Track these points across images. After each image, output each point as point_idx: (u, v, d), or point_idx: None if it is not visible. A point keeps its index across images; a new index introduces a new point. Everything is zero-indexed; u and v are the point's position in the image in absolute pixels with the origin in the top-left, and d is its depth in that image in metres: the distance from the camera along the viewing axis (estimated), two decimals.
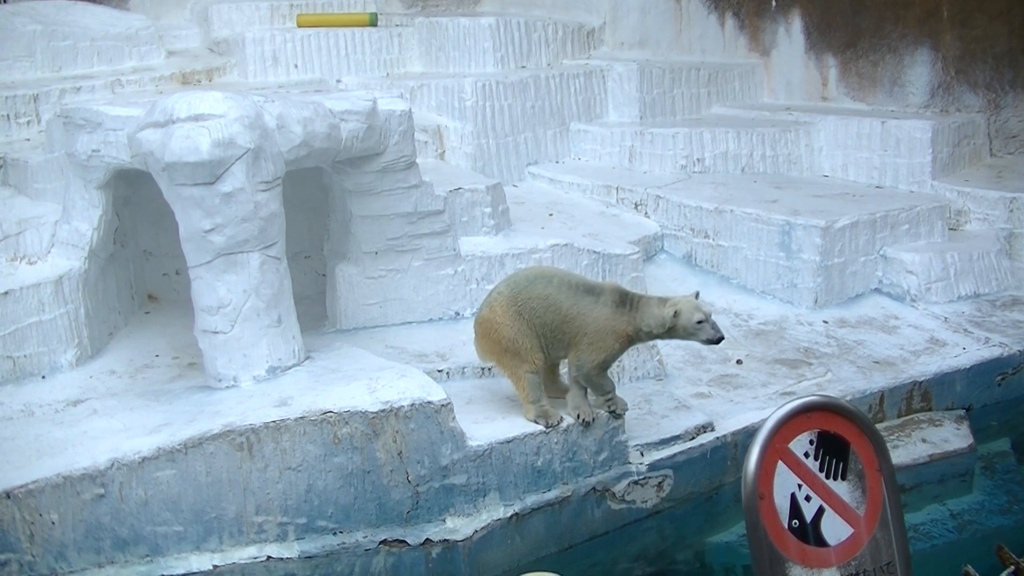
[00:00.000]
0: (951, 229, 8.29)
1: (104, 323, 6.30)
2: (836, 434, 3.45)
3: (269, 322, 5.47)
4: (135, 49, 8.59)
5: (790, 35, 9.97)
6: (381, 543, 5.10)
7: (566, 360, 5.45)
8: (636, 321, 5.24)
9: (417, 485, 5.14)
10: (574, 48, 9.75)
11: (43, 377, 5.86)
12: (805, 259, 7.56)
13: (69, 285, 5.96)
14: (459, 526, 5.22)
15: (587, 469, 5.52)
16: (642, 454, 5.72)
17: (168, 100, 5.35)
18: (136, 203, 6.62)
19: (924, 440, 6.48)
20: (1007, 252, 8.17)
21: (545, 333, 5.29)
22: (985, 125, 9.32)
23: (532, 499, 5.39)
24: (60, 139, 6.39)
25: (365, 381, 5.27)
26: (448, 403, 5.17)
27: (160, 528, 4.84)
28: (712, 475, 5.94)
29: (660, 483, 5.74)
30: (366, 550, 5.08)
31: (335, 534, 5.06)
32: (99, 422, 5.15)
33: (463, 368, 6.06)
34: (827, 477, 3.44)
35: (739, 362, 6.87)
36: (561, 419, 5.40)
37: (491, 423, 5.44)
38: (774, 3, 10.00)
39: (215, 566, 4.88)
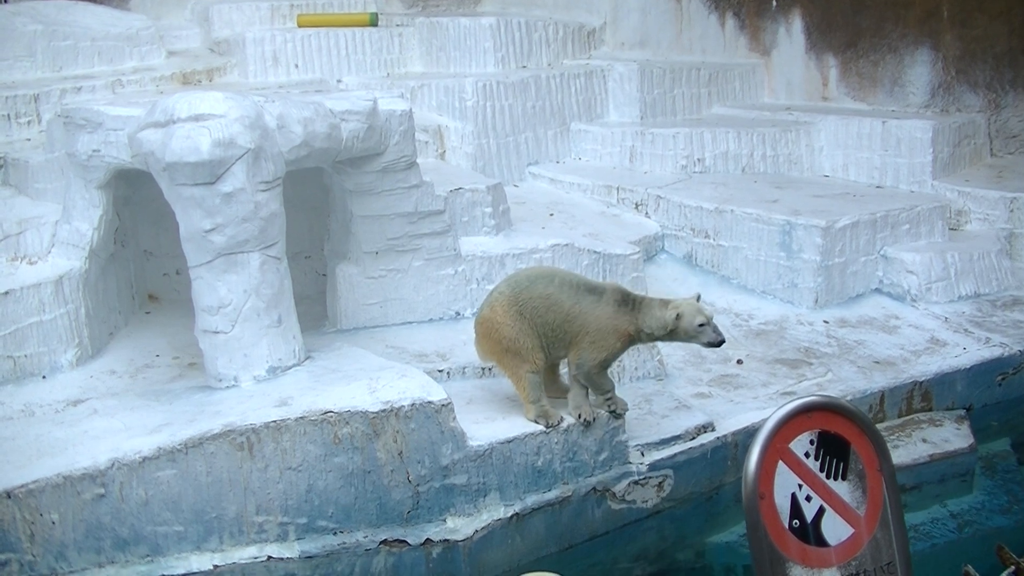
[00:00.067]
0: (951, 229, 8.29)
1: (104, 323, 6.30)
2: (836, 434, 3.45)
3: (269, 322, 5.47)
4: (136, 49, 8.59)
5: (790, 35, 9.97)
6: (381, 543, 5.11)
7: (566, 360, 5.45)
8: (638, 321, 5.26)
9: (417, 485, 5.14)
10: (575, 48, 9.75)
11: (43, 377, 5.87)
12: (805, 259, 7.56)
13: (69, 285, 5.96)
14: (459, 526, 5.22)
15: (587, 469, 5.52)
16: (642, 454, 5.73)
17: (169, 100, 5.35)
18: (136, 203, 6.62)
19: (924, 440, 6.48)
20: (1007, 252, 8.17)
21: (546, 333, 5.29)
22: (985, 125, 9.32)
23: (532, 499, 5.39)
24: (61, 139, 6.39)
25: (365, 381, 5.27)
26: (448, 403, 5.17)
27: (160, 528, 4.84)
28: (712, 475, 5.94)
29: (660, 483, 5.74)
30: (366, 550, 5.08)
31: (335, 534, 5.06)
32: (99, 422, 5.15)
33: (463, 368, 6.06)
34: (827, 477, 3.44)
35: (739, 362, 6.87)
36: (561, 419, 5.40)
37: (491, 423, 5.45)
38: (774, 3, 10.00)
39: (215, 566, 4.88)
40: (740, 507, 3.45)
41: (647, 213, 8.33)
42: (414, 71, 9.36)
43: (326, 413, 5.00)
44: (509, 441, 5.32)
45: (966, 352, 7.01)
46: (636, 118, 9.34)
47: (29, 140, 7.31)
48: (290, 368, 5.52)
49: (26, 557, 4.66)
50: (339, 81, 8.91)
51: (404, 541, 5.13)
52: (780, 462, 3.37)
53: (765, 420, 3.40)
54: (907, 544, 3.51)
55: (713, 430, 5.99)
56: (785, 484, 3.37)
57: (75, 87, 7.79)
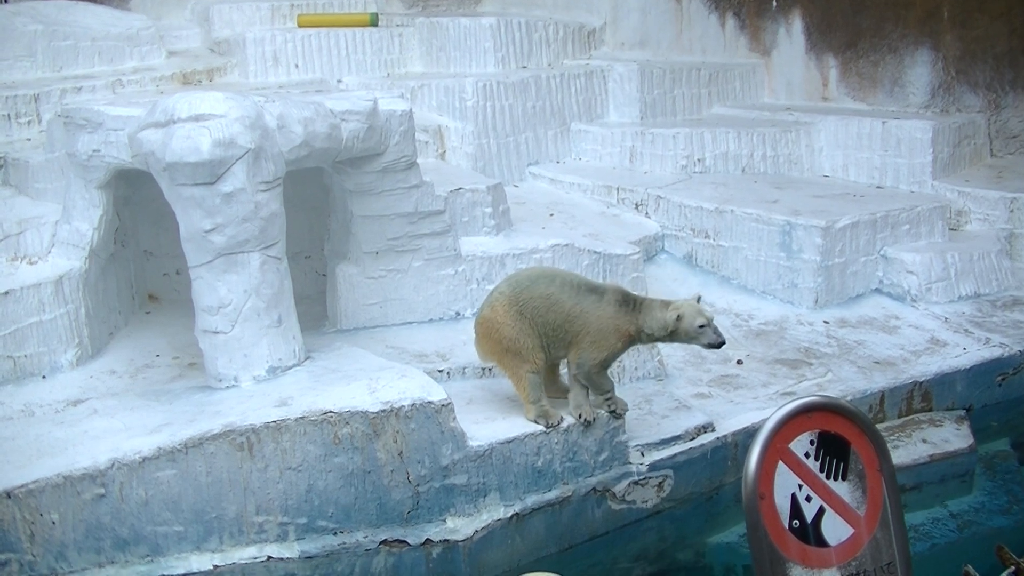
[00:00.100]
0: (951, 229, 8.29)
1: (104, 323, 6.30)
2: (836, 434, 3.45)
3: (269, 322, 5.47)
4: (136, 49, 8.59)
5: (791, 35, 9.97)
6: (381, 543, 5.11)
7: (565, 361, 5.46)
8: (638, 322, 5.27)
9: (417, 485, 5.14)
10: (575, 48, 9.75)
11: (43, 377, 5.87)
12: (805, 259, 7.56)
13: (69, 285, 5.96)
14: (459, 526, 5.22)
15: (587, 469, 5.52)
16: (642, 454, 5.73)
17: (169, 100, 5.35)
18: (137, 203, 6.62)
19: (924, 440, 6.48)
20: (1007, 252, 8.17)
21: (547, 332, 5.29)
22: (985, 125, 9.32)
23: (532, 499, 5.39)
24: (61, 139, 6.39)
25: (365, 381, 5.27)
26: (448, 403, 5.17)
27: (160, 528, 4.84)
28: (712, 475, 5.95)
29: (660, 483, 5.74)
30: (366, 550, 5.08)
31: (335, 534, 5.06)
32: (99, 422, 5.15)
33: (463, 368, 6.06)
34: (827, 477, 3.44)
35: (739, 362, 6.87)
36: (561, 419, 5.40)
37: (491, 423, 5.45)
38: (775, 3, 10.00)
39: (215, 566, 4.88)
40: (740, 507, 3.45)
41: (647, 213, 8.33)
42: (414, 71, 9.36)
43: (326, 413, 5.00)
44: (509, 441, 5.32)
45: (966, 352, 7.01)
46: (636, 118, 9.34)
47: (29, 140, 7.32)
48: (290, 368, 5.52)
49: (26, 557, 4.66)
50: (339, 81, 8.91)
51: (404, 541, 5.13)
52: (780, 462, 3.37)
53: (765, 420, 3.40)
54: (907, 544, 3.51)
55: (713, 430, 5.99)
56: (785, 484, 3.37)
57: (75, 87, 7.79)
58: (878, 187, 8.73)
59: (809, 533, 3.39)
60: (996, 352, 7.02)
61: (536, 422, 5.38)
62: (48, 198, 6.52)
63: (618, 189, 8.48)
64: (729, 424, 6.06)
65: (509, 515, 5.32)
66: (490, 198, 7.04)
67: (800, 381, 6.66)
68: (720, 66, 9.95)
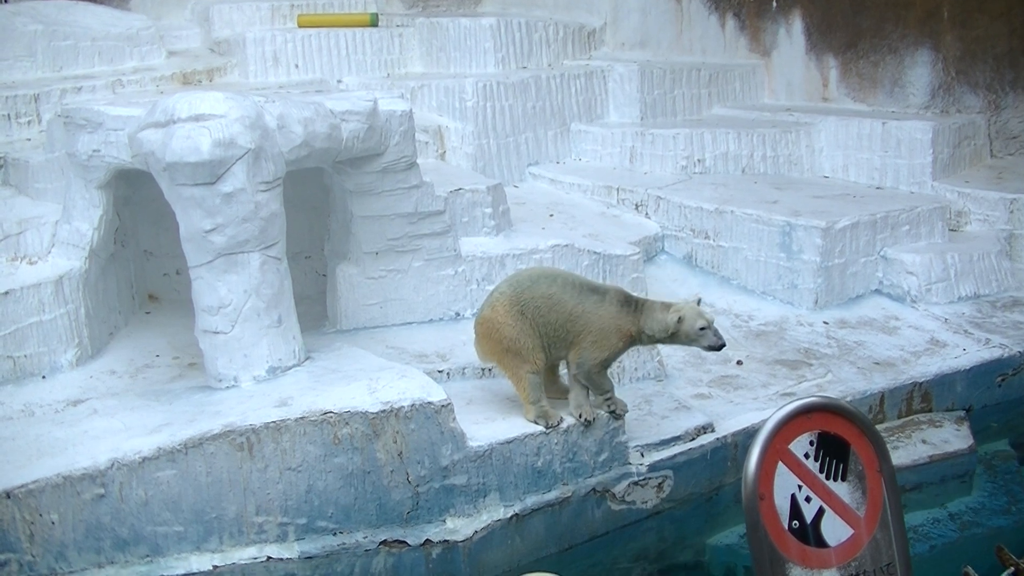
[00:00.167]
0: (951, 230, 8.29)
1: (104, 323, 6.30)
2: (836, 435, 3.45)
3: (269, 322, 5.47)
4: (136, 49, 8.60)
5: (791, 36, 9.97)
6: (381, 544, 5.11)
7: (565, 362, 5.46)
8: (639, 323, 5.28)
9: (417, 486, 5.14)
10: (575, 49, 9.75)
11: (43, 377, 5.87)
12: (805, 260, 7.56)
13: (69, 285, 5.96)
14: (459, 527, 5.22)
15: (587, 470, 5.52)
16: (642, 455, 5.73)
17: (169, 100, 5.35)
18: (137, 203, 6.62)
19: (924, 441, 6.48)
20: (1007, 253, 8.17)
21: (548, 332, 5.29)
22: (985, 126, 9.32)
23: (532, 500, 5.39)
24: (61, 139, 6.40)
25: (365, 381, 5.27)
26: (448, 404, 5.17)
27: (160, 528, 4.84)
28: (712, 476, 5.95)
29: (660, 484, 5.74)
30: (366, 551, 5.08)
31: (335, 534, 5.06)
32: (99, 422, 5.15)
33: (463, 369, 6.06)
34: (827, 478, 3.44)
35: (739, 363, 6.88)
36: (561, 420, 5.40)
37: (491, 424, 5.45)
38: (775, 4, 10.00)
39: (215, 566, 4.88)
40: (740, 508, 3.45)
41: (647, 214, 8.33)
42: (414, 71, 9.36)
43: (326, 413, 5.00)
44: (509, 442, 5.32)
45: (966, 353, 7.01)
46: (636, 119, 9.34)
47: (29, 140, 7.32)
48: (290, 368, 5.52)
49: (26, 557, 4.66)
50: (339, 81, 8.91)
51: (404, 542, 5.13)
52: (780, 463, 3.37)
53: (765, 421, 3.40)
54: (907, 545, 3.51)
55: (713, 431, 5.99)
56: (785, 485, 3.37)
57: (75, 87, 7.79)
58: (878, 188, 8.73)
59: (809, 534, 3.39)
60: (996, 353, 7.02)
61: (536, 422, 5.39)
62: (48, 198, 6.52)
63: (618, 189, 8.48)
64: (729, 425, 6.06)
65: (509, 515, 5.32)
66: (490, 198, 7.04)
67: (800, 382, 6.66)
68: (720, 67, 9.95)
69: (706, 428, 5.98)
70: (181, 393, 5.47)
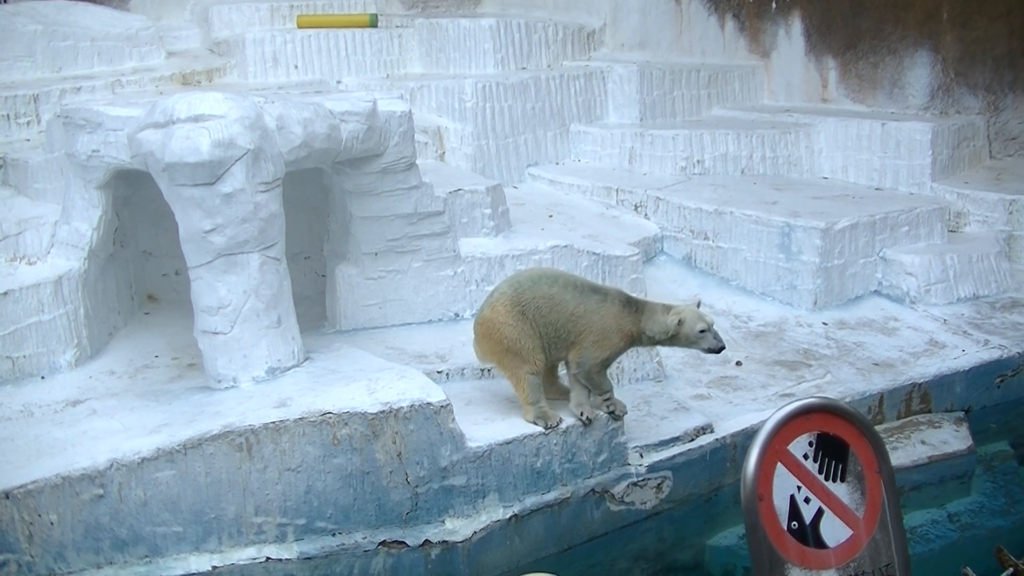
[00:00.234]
0: (950, 231, 8.29)
1: (104, 323, 6.30)
2: (835, 436, 3.46)
3: (269, 323, 5.47)
4: (135, 49, 8.60)
5: (790, 37, 9.97)
6: (380, 544, 5.10)
7: (563, 363, 5.46)
8: (640, 324, 5.30)
9: (416, 486, 5.14)
10: (574, 49, 9.75)
11: (42, 377, 5.86)
12: (805, 261, 7.56)
13: (68, 285, 5.96)
14: (458, 527, 5.22)
15: (586, 470, 5.52)
16: (641, 455, 5.73)
17: (168, 101, 5.35)
18: (136, 203, 6.62)
19: (923, 442, 6.48)
20: (1006, 254, 8.17)
21: (548, 333, 5.30)
22: (985, 127, 9.32)
23: (531, 500, 5.39)
24: (60, 139, 6.39)
25: (364, 382, 5.27)
26: (447, 404, 5.17)
27: (159, 529, 4.84)
28: (711, 477, 5.94)
29: (659, 484, 5.74)
30: (365, 551, 5.08)
31: (334, 535, 5.06)
32: (98, 422, 5.15)
33: (462, 369, 6.06)
34: (826, 479, 3.44)
35: (738, 364, 6.88)
36: (560, 420, 5.40)
37: (490, 424, 5.45)
38: (774, 5, 10.00)
39: (214, 567, 4.88)
40: (739, 509, 3.45)
41: (646, 215, 8.33)
42: (414, 72, 9.36)
43: (325, 414, 5.00)
44: (508, 442, 5.32)
45: (965, 354, 7.01)
46: (636, 119, 9.34)
47: (28, 140, 7.32)
48: (289, 369, 5.52)
49: (24, 558, 4.65)
50: (339, 82, 8.91)
51: (403, 542, 5.13)
52: (779, 464, 3.38)
53: (764, 422, 3.41)
54: (906, 546, 3.52)
55: (712, 432, 5.99)
56: (784, 486, 3.38)
57: (75, 87, 7.80)
58: (877, 189, 8.73)
59: (808, 534, 3.40)
60: (995, 354, 7.02)
61: (535, 423, 5.39)
62: (47, 198, 6.52)
63: (617, 190, 8.48)
64: (728, 425, 6.06)
65: (508, 516, 5.32)
66: (489, 199, 7.04)
67: (799, 383, 6.66)
68: (720, 67, 9.95)
69: (705, 429, 5.98)
70: (180, 394, 5.47)
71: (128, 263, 6.72)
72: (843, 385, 6.59)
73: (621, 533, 5.67)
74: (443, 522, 5.21)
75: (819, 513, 3.41)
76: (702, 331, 5.25)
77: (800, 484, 3.40)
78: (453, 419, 5.18)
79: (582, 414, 5.41)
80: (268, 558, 4.95)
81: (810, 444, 3.43)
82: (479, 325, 5.44)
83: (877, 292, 7.81)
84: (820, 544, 3.40)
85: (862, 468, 3.47)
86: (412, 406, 5.10)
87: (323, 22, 9.33)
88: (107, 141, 5.78)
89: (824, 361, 6.93)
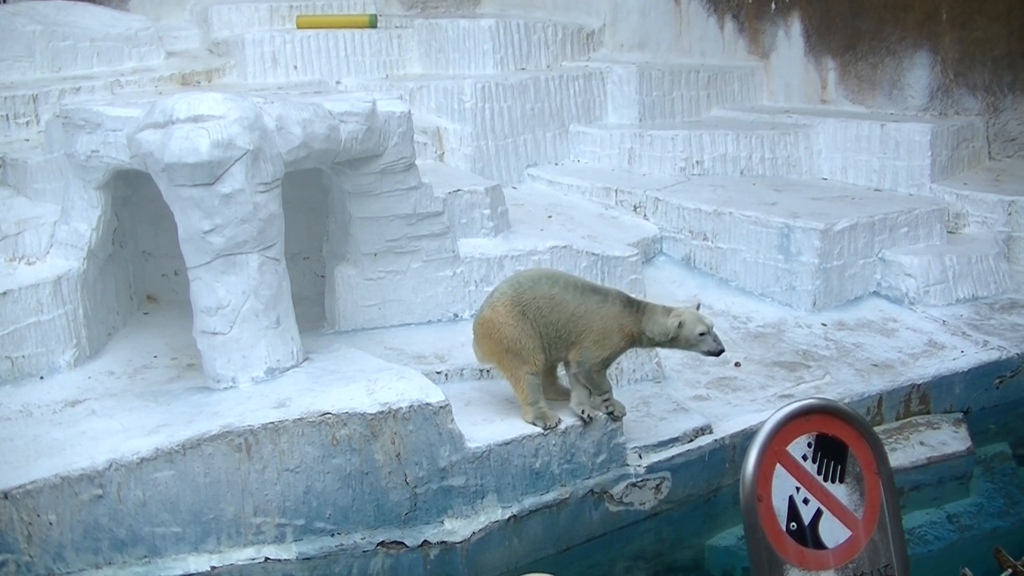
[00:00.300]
0: (950, 232, 8.30)
1: (103, 324, 6.30)
2: (834, 437, 3.46)
3: (268, 323, 5.47)
4: (135, 50, 8.59)
5: (789, 38, 9.98)
6: (379, 545, 5.10)
7: (562, 364, 5.46)
8: (641, 324, 5.32)
9: (415, 487, 5.14)
10: (574, 50, 9.75)
11: (41, 378, 5.86)
12: (804, 262, 7.57)
13: (68, 285, 5.96)
14: (457, 528, 5.22)
15: (585, 471, 5.52)
16: (640, 456, 5.73)
17: (167, 101, 5.35)
18: (135, 204, 6.62)
19: (922, 443, 6.48)
20: (1005, 255, 8.17)
21: (549, 333, 5.30)
22: (984, 128, 9.32)
23: (530, 501, 5.39)
24: (59, 139, 6.39)
25: (363, 383, 5.27)
26: (446, 405, 5.17)
27: (158, 529, 4.84)
28: (710, 477, 5.95)
29: (658, 485, 5.74)
30: (364, 551, 5.08)
31: (333, 535, 5.06)
32: (97, 423, 5.15)
33: (462, 370, 6.06)
34: (825, 480, 3.44)
35: (737, 364, 6.88)
36: (559, 421, 5.40)
37: (489, 425, 5.45)
38: (773, 6, 10.01)
39: (213, 567, 4.88)
40: (738, 509, 3.45)
41: (645, 215, 8.34)
42: (413, 73, 9.36)
43: (324, 415, 5.00)
44: (507, 443, 5.32)
45: (964, 355, 7.01)
46: (635, 120, 9.34)
47: (28, 140, 7.31)
48: (288, 369, 5.52)
49: (23, 558, 4.65)
50: (338, 82, 8.91)
51: (402, 543, 5.13)
52: (778, 465, 3.38)
53: (763, 423, 3.41)
54: (904, 546, 3.52)
55: (711, 432, 5.99)
56: (783, 487, 3.38)
57: (74, 87, 7.79)
58: (876, 190, 8.73)
59: (807, 535, 3.40)
60: (994, 355, 7.02)
61: (534, 424, 5.39)
62: (46, 199, 6.52)
63: (616, 191, 8.48)
64: (727, 426, 6.07)
65: (507, 517, 5.32)
66: (488, 200, 7.04)
67: (798, 383, 6.66)
68: (719, 68, 9.96)
69: (704, 430, 5.98)
70: (179, 394, 5.47)
71: (127, 263, 6.72)
72: (842, 386, 6.60)
73: (620, 534, 5.67)
74: (442, 523, 5.21)
75: (818, 514, 3.41)
76: (702, 334, 5.27)
77: (799, 485, 3.40)
78: (452, 420, 5.18)
79: (583, 412, 5.42)
80: (267, 558, 4.95)
81: (809, 445, 3.43)
82: (479, 325, 5.44)
83: (876, 293, 7.81)
84: (819, 545, 3.40)
85: (861, 469, 3.47)
86: (411, 407, 5.10)
87: (322, 22, 9.33)
88: (106, 141, 5.78)
89: (823, 362, 6.93)
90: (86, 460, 4.76)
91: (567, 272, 6.03)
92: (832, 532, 3.42)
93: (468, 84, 8.56)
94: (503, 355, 5.34)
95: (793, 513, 3.38)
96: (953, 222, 8.45)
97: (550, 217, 7.92)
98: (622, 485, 5.63)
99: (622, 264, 7.21)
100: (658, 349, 6.46)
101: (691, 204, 8.11)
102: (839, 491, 3.45)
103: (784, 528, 3.37)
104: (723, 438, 5.98)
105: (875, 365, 6.89)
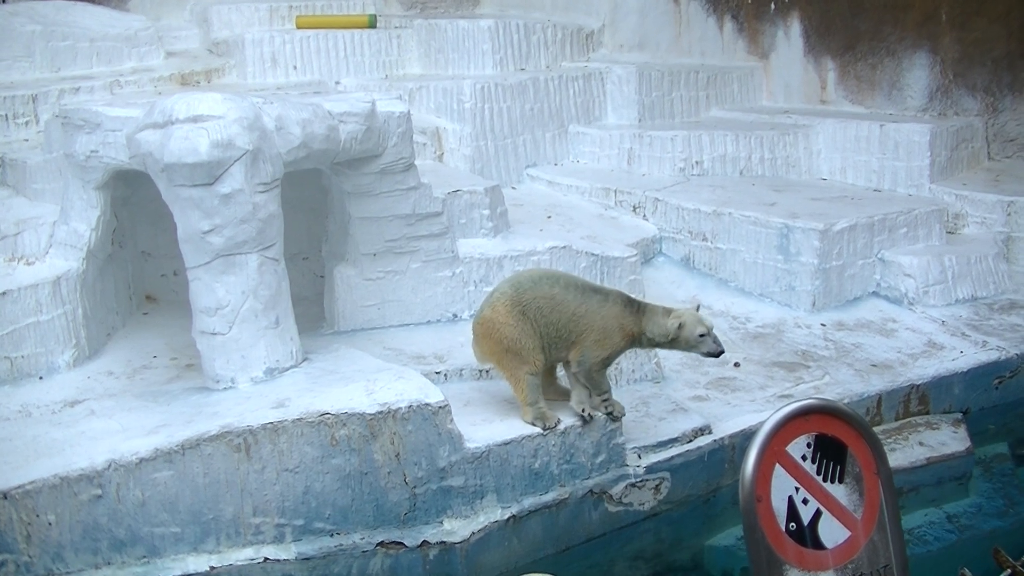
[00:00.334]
0: (949, 232, 8.30)
1: (102, 324, 6.30)
2: (834, 437, 3.46)
3: (267, 323, 5.47)
4: (134, 50, 8.60)
5: (789, 38, 9.98)
6: (378, 545, 5.10)
7: (562, 364, 5.46)
8: (641, 324, 5.33)
9: (415, 487, 5.14)
10: (573, 50, 9.76)
11: (40, 378, 5.86)
12: (803, 262, 7.57)
13: (67, 286, 5.96)
14: (456, 528, 5.22)
15: (584, 471, 5.52)
16: (639, 456, 5.73)
17: (167, 101, 5.35)
18: (134, 204, 6.62)
19: (921, 443, 6.48)
20: (1004, 255, 8.18)
21: (549, 333, 5.30)
22: (983, 128, 9.33)
23: (529, 501, 5.39)
24: (59, 139, 6.39)
25: (363, 383, 5.27)
26: (446, 405, 5.17)
27: (157, 529, 4.83)
28: (710, 478, 5.95)
29: (657, 485, 5.74)
30: (363, 552, 5.08)
31: (332, 536, 5.06)
32: (97, 423, 5.15)
33: (461, 370, 6.06)
34: (824, 480, 3.44)
35: (737, 365, 6.88)
36: (559, 421, 5.40)
37: (489, 425, 5.45)
38: (773, 6, 10.01)
39: (212, 567, 4.88)
40: (737, 510, 3.45)
41: (645, 215, 8.34)
42: (412, 73, 9.36)
43: (323, 415, 5.00)
44: (506, 443, 5.32)
45: (963, 355, 7.01)
46: (634, 120, 9.35)
47: (27, 140, 7.32)
48: (287, 370, 5.52)
49: (23, 558, 4.65)
50: (337, 83, 8.91)
51: (401, 543, 5.13)
52: (777, 465, 3.38)
53: (762, 423, 3.41)
54: (904, 547, 3.52)
55: (710, 433, 5.99)
56: (782, 487, 3.38)
57: (73, 88, 7.79)
58: (876, 190, 8.74)
59: (806, 536, 3.40)
60: (993, 355, 7.02)
61: (533, 424, 5.39)
62: (46, 199, 6.52)
63: (616, 191, 8.48)
64: (726, 426, 6.07)
65: (506, 517, 5.32)
66: (488, 200, 7.04)
67: (797, 384, 6.66)
68: (718, 69, 9.96)
69: (703, 430, 5.98)
70: (178, 394, 5.47)
71: (126, 263, 6.72)
72: (841, 386, 6.60)
73: (619, 534, 5.67)
74: (441, 523, 5.21)
75: (817, 514, 3.41)
76: (702, 335, 5.28)
77: (798, 485, 3.40)
78: (451, 420, 5.18)
79: (583, 410, 5.42)
80: (266, 558, 4.95)
81: (808, 445, 3.43)
82: (479, 325, 5.44)
83: (875, 293, 7.81)
84: (818, 545, 3.40)
85: (860, 469, 3.47)
86: (410, 407, 5.10)
87: (322, 23, 9.33)
88: (106, 141, 5.78)
89: (822, 362, 6.93)
90: (85, 460, 4.76)
91: (567, 272, 6.03)
92: (831, 532, 3.42)
93: (467, 84, 8.56)
94: (503, 355, 5.34)
95: (792, 513, 3.38)
96: (952, 222, 8.46)
97: (549, 217, 7.92)
98: (621, 485, 5.63)
99: (621, 264, 7.21)
100: (657, 350, 6.47)
101: (690, 204, 8.12)
102: (838, 491, 3.45)
103: (783, 528, 3.37)
104: (722, 438, 5.98)
105: (874, 365, 6.89)
